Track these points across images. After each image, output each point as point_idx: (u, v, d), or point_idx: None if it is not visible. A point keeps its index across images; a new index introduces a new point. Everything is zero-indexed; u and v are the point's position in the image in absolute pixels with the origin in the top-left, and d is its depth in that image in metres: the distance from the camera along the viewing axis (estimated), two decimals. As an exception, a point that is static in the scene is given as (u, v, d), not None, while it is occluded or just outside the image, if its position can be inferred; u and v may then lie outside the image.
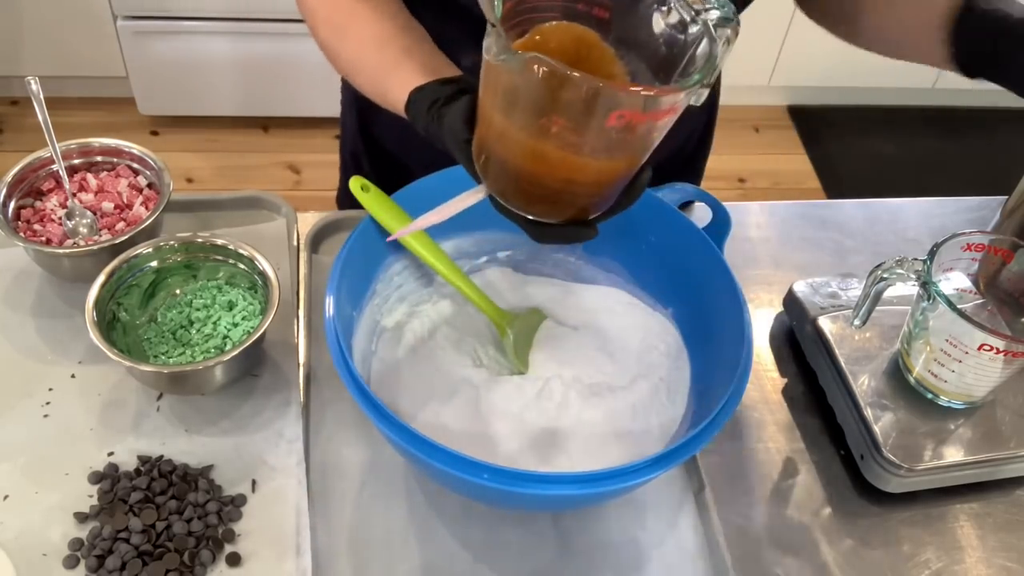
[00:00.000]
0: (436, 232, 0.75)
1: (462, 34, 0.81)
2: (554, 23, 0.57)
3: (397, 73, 0.66)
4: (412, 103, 0.65)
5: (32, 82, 0.81)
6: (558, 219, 0.60)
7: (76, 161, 0.88)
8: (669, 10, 0.56)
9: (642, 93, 0.51)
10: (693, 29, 0.55)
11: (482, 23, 0.73)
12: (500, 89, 0.55)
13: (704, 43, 0.54)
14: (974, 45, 0.73)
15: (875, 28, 0.84)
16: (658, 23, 0.56)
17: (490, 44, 0.51)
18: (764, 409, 0.84)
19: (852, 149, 2.58)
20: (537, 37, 0.57)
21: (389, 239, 0.72)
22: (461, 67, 0.82)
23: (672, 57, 0.56)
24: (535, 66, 0.49)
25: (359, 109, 1.01)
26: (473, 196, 0.61)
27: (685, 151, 1.03)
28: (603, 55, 0.58)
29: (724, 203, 0.79)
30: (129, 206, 0.87)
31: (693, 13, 0.54)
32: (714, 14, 0.54)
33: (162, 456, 0.73)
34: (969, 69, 0.75)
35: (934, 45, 0.77)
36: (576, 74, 0.49)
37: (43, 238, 0.83)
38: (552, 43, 0.57)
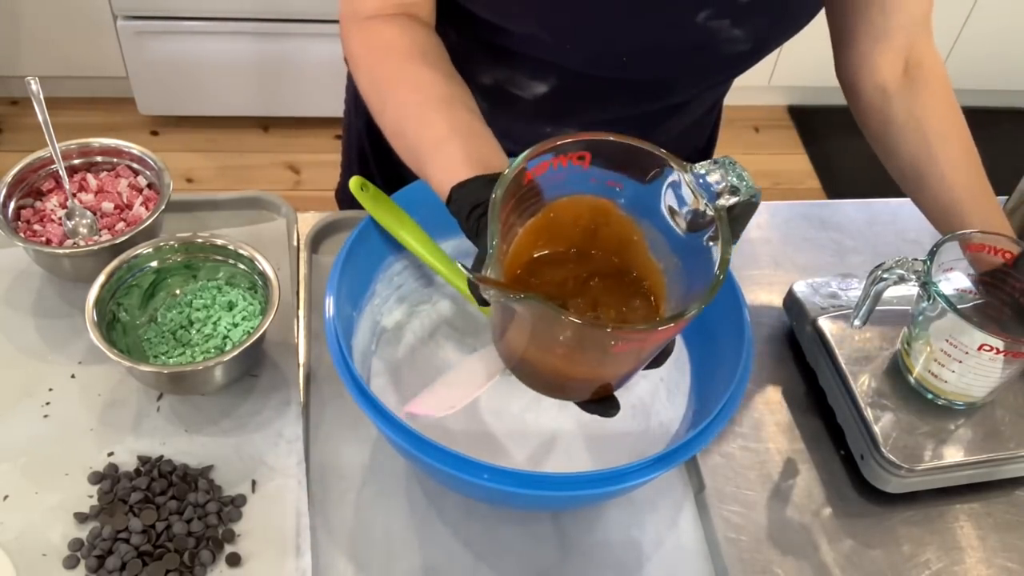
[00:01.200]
0: (436, 232, 0.75)
1: (484, 52, 0.81)
2: (567, 197, 0.56)
3: (438, 157, 0.64)
4: (453, 201, 0.62)
5: (32, 82, 0.81)
6: (581, 400, 0.59)
7: (76, 161, 0.88)
8: (679, 197, 0.54)
9: (638, 331, 0.50)
10: (708, 213, 0.53)
11: (504, 45, 0.72)
12: (505, 312, 0.53)
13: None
14: None
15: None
16: (673, 201, 0.54)
17: (488, 294, 0.49)
18: (764, 409, 0.84)
19: (852, 149, 2.58)
20: (551, 214, 0.56)
21: (405, 411, 0.66)
22: (482, 84, 0.82)
23: (696, 223, 0.54)
24: (532, 307, 0.48)
25: (366, 112, 1.01)
26: (493, 374, 0.59)
27: (692, 160, 1.03)
28: (621, 224, 0.57)
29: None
30: (129, 206, 0.87)
31: (705, 198, 0.52)
32: (731, 200, 0.52)
33: (162, 456, 0.73)
34: None
35: None
36: (572, 319, 0.48)
37: (43, 238, 0.83)
38: (568, 218, 0.56)
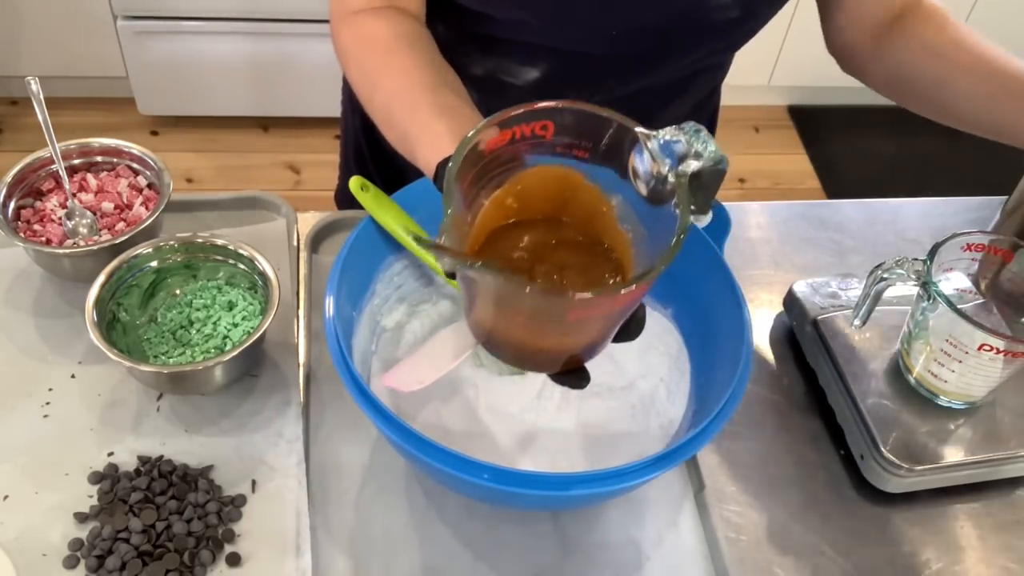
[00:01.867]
0: (437, 232, 0.75)
1: (473, 43, 0.81)
2: (534, 167, 0.55)
3: (425, 137, 0.64)
4: (438, 177, 0.62)
5: (32, 82, 0.81)
6: (551, 372, 0.58)
7: (76, 161, 0.88)
8: (644, 157, 0.52)
9: (597, 295, 0.49)
10: (671, 179, 0.51)
11: (491, 33, 0.72)
12: (468, 283, 0.53)
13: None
14: None
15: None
16: (637, 168, 0.53)
17: (443, 262, 0.48)
18: (764, 409, 0.84)
19: (852, 149, 2.58)
20: (519, 185, 0.55)
21: (382, 383, 0.65)
22: (473, 76, 0.82)
23: (661, 190, 0.53)
24: (488, 275, 0.47)
25: (362, 110, 1.02)
26: (463, 349, 0.58)
27: None
28: (588, 193, 0.56)
29: (724, 203, 0.79)
30: (129, 206, 0.87)
31: (668, 164, 0.51)
32: (693, 165, 0.51)
33: (162, 456, 0.73)
34: None
35: None
36: (528, 285, 0.47)
37: (43, 238, 0.83)
38: (534, 189, 0.55)
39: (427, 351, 0.59)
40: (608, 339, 0.57)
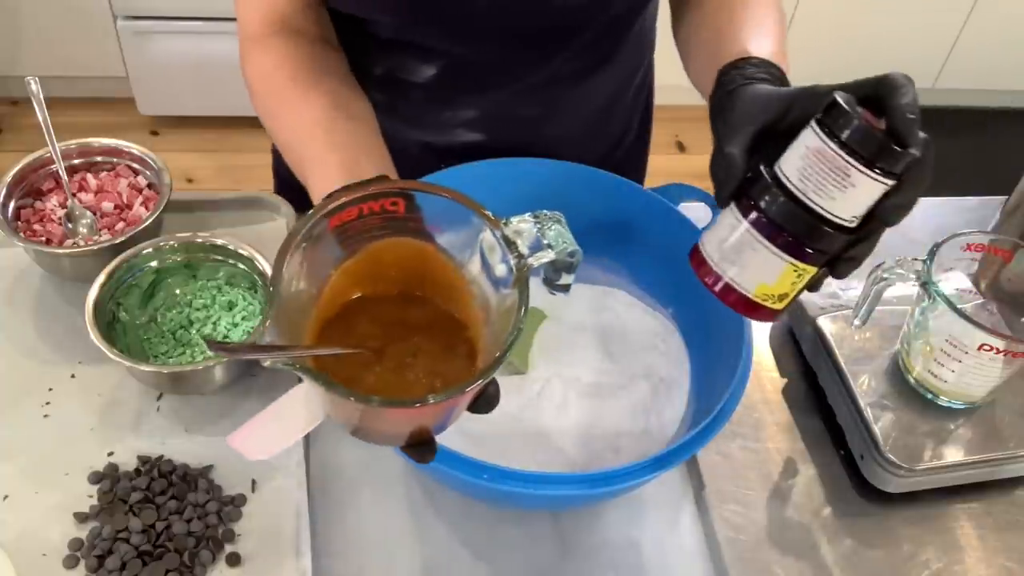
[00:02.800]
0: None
1: (370, 44, 0.81)
2: (387, 240, 0.52)
3: (318, 170, 0.65)
4: None
5: (32, 82, 0.81)
6: (397, 446, 0.54)
7: (76, 161, 0.88)
8: (496, 242, 0.50)
9: (414, 408, 0.47)
10: (515, 270, 0.49)
11: (380, 35, 0.70)
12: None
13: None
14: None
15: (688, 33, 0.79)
16: (486, 253, 0.51)
17: (263, 361, 0.45)
18: (764, 409, 0.84)
19: (852, 149, 2.58)
20: (370, 258, 0.53)
21: (227, 441, 0.56)
22: (375, 75, 0.82)
23: (509, 278, 0.50)
24: (311, 380, 0.45)
25: None
26: (314, 418, 0.53)
27: (624, 143, 1.00)
28: (444, 269, 0.53)
29: (724, 203, 0.79)
30: (129, 206, 0.87)
31: (518, 253, 0.49)
32: (543, 257, 0.50)
33: (162, 456, 0.73)
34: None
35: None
36: (346, 399, 0.45)
37: (43, 238, 0.83)
38: (387, 260, 0.53)
39: (276, 413, 0.53)
40: (455, 418, 0.53)
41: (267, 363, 0.45)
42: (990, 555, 0.76)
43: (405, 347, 0.52)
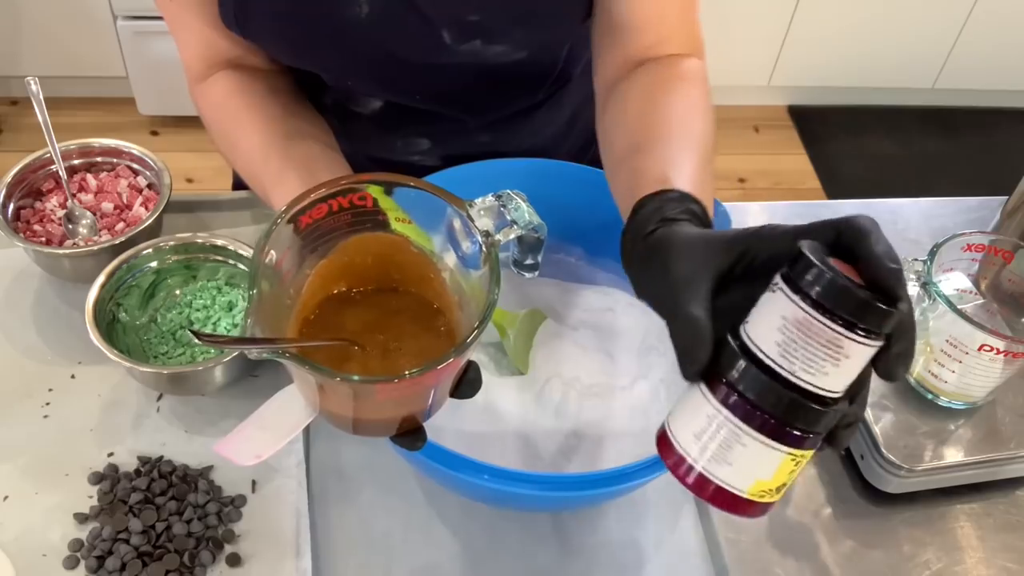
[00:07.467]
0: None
1: (317, 78, 0.81)
2: (359, 235, 0.54)
3: (279, 187, 0.66)
4: None
5: (32, 82, 0.81)
6: (388, 436, 0.55)
7: (76, 161, 0.88)
8: (464, 224, 0.52)
9: (393, 384, 0.48)
10: (484, 248, 0.51)
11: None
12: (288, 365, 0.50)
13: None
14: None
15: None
16: (457, 235, 0.53)
17: (250, 352, 0.46)
18: (764, 409, 0.84)
19: (852, 149, 2.58)
20: (344, 255, 0.54)
21: (214, 449, 0.56)
22: (324, 104, 0.83)
23: (478, 258, 0.52)
24: (298, 366, 0.46)
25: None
26: (304, 418, 0.54)
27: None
28: (416, 259, 0.55)
29: (724, 203, 0.79)
30: (129, 206, 0.87)
31: (485, 232, 0.51)
32: (510, 233, 0.51)
33: (162, 457, 0.73)
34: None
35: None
36: (332, 379, 0.46)
37: (43, 238, 0.83)
38: (362, 257, 0.54)
39: (263, 418, 0.54)
40: (440, 402, 0.55)
41: (253, 355, 0.46)
42: (990, 555, 0.76)
43: (387, 336, 0.54)
